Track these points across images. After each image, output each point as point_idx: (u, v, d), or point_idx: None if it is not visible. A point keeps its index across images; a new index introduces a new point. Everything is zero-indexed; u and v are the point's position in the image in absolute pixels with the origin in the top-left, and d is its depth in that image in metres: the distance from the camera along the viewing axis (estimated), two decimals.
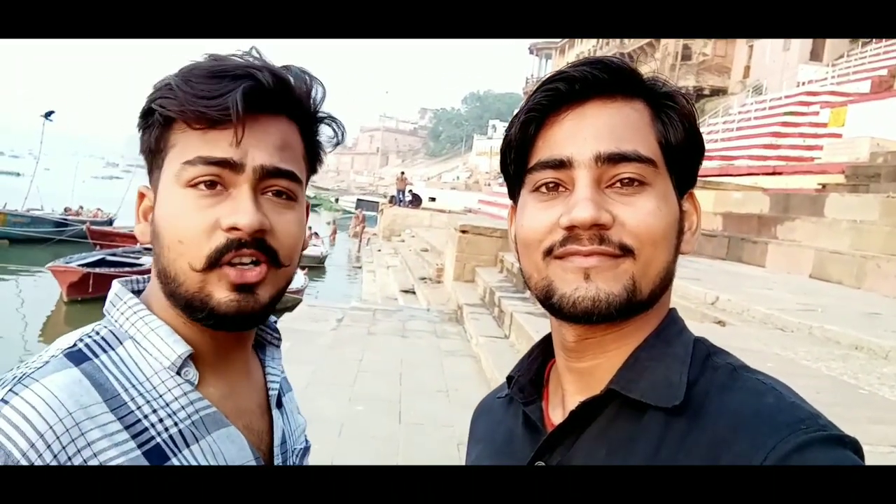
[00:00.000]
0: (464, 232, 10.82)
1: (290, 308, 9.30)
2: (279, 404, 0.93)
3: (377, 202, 40.10)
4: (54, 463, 0.68)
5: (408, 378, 5.77)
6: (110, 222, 23.49)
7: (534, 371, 0.86)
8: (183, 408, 0.78)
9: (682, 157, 0.77)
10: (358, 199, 50.28)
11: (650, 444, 0.69)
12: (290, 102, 0.82)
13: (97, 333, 0.79)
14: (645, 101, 0.76)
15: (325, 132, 0.90)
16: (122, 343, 0.79)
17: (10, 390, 0.69)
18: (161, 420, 0.76)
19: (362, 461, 3.52)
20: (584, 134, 0.73)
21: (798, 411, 0.64)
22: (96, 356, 0.76)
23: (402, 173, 33.95)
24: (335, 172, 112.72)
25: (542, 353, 0.87)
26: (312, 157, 0.89)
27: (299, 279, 16.42)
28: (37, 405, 0.68)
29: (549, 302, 0.73)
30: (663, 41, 33.62)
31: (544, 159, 0.74)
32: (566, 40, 50.03)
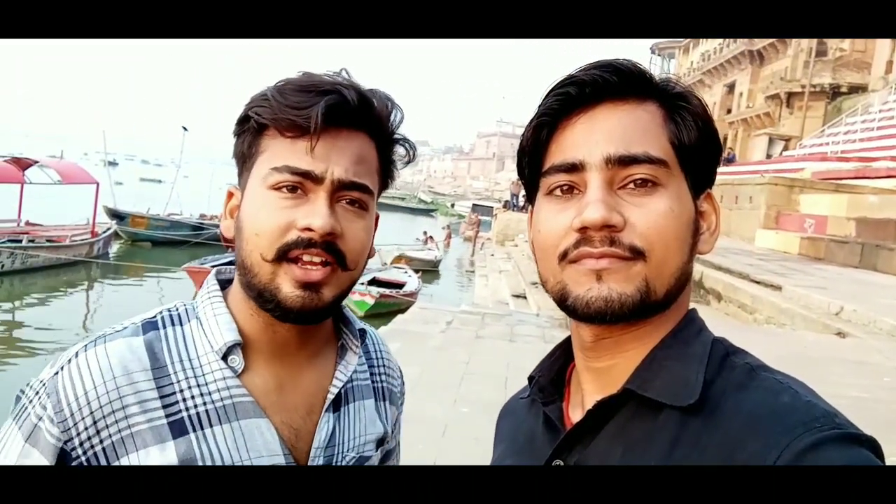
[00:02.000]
0: None
1: (403, 310, 9.52)
2: (336, 407, 0.96)
3: (492, 207, 40.22)
4: (90, 417, 0.80)
5: (513, 382, 5.75)
6: None
7: (555, 372, 0.88)
8: (219, 390, 0.85)
9: (696, 157, 0.77)
10: (473, 204, 50.58)
11: (665, 443, 0.69)
12: (370, 120, 0.90)
13: (177, 309, 0.90)
14: (657, 102, 0.77)
15: (398, 151, 0.98)
16: (189, 321, 0.89)
17: (85, 346, 0.83)
18: (193, 397, 0.84)
19: (464, 462, 3.53)
20: (595, 137, 0.74)
21: (813, 409, 0.64)
22: (165, 328, 0.87)
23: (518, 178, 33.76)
24: (452, 178, 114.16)
25: (564, 354, 0.88)
26: (386, 173, 0.96)
27: (413, 282, 16.76)
28: (91, 366, 0.81)
29: (565, 304, 0.75)
30: None
31: (557, 163, 0.76)
32: (690, 39, 48.21)
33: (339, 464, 0.95)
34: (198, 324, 0.89)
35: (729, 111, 37.24)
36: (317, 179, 0.84)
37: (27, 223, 17.24)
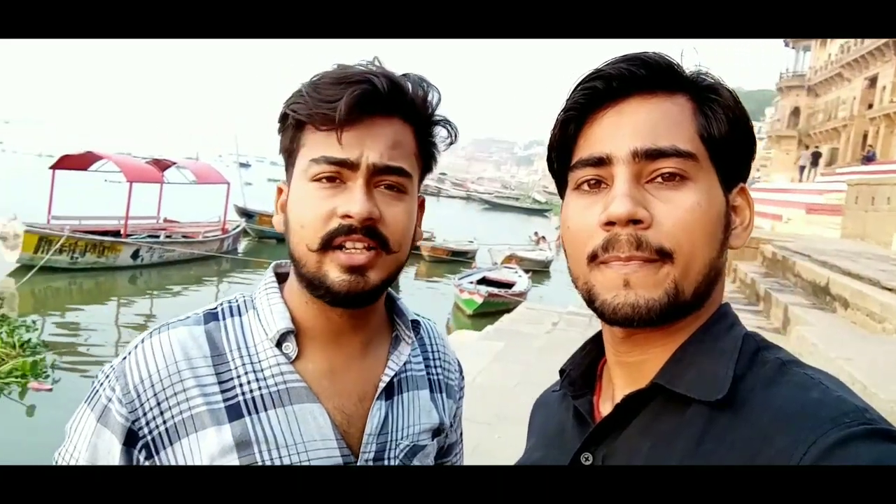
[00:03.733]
0: None
1: (510, 309, 9.51)
2: (389, 395, 0.98)
3: None
4: (154, 398, 0.86)
5: None
6: None
7: (585, 365, 0.87)
8: (273, 376, 0.90)
9: (726, 151, 0.75)
10: None
11: (692, 438, 0.68)
12: (403, 105, 0.92)
13: (236, 301, 0.97)
14: (687, 95, 0.76)
15: (440, 134, 0.99)
16: (247, 311, 0.95)
17: (150, 333, 0.91)
18: (249, 382, 0.89)
19: None
20: (622, 131, 0.74)
21: (843, 405, 0.62)
22: (224, 318, 0.94)
23: None
24: None
25: (596, 347, 0.88)
26: (427, 156, 0.99)
27: (523, 282, 16.69)
28: (155, 351, 0.88)
29: (593, 306, 0.75)
30: None
31: (585, 157, 0.76)
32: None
33: (392, 450, 0.97)
34: (255, 314, 0.94)
35: (870, 106, 34.44)
36: (352, 166, 0.87)
37: (165, 220, 18.58)
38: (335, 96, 0.86)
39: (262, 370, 0.90)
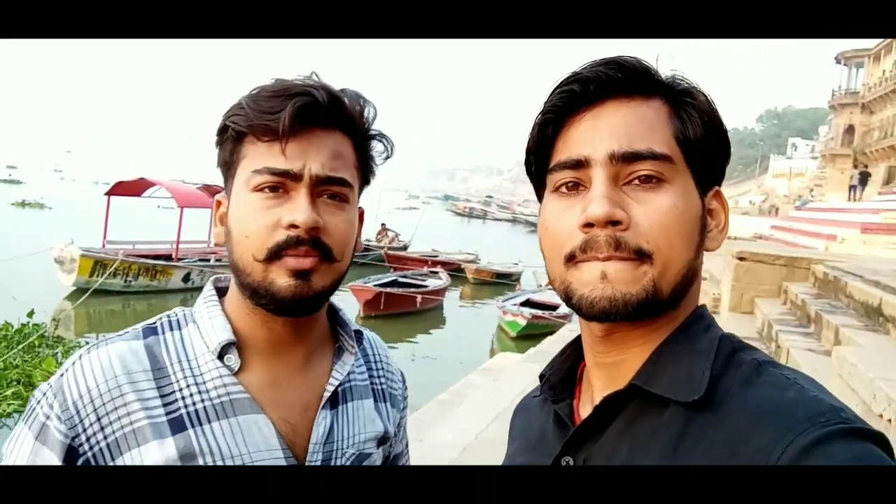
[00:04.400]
0: (741, 259, 9.99)
1: (554, 331, 9.42)
2: (334, 405, 0.99)
3: None
4: (93, 414, 0.84)
5: None
6: (405, 247, 25.93)
7: (565, 370, 0.88)
8: (216, 388, 0.90)
9: (702, 154, 0.77)
10: None
11: (671, 438, 0.69)
12: (343, 118, 0.94)
13: (175, 315, 0.97)
14: (663, 98, 0.77)
15: (377, 148, 1.01)
16: (187, 325, 0.95)
17: (88, 349, 0.90)
18: (192, 395, 0.89)
19: None
20: (599, 134, 0.74)
21: (819, 404, 0.63)
22: (164, 332, 0.93)
23: None
24: None
25: (575, 352, 0.88)
26: (365, 168, 1.01)
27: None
28: (94, 366, 0.87)
29: (570, 303, 0.75)
30: None
31: (563, 160, 0.76)
32: (881, 45, 43.82)
33: (338, 459, 0.98)
34: (195, 327, 0.94)
35: None
36: (295, 177, 0.88)
37: (216, 244, 18.98)
38: (276, 108, 0.87)
39: (204, 383, 0.90)
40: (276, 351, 0.96)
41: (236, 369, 0.91)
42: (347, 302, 15.47)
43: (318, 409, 0.97)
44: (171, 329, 0.94)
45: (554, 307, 16.04)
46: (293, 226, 0.87)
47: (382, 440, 1.07)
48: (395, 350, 12.96)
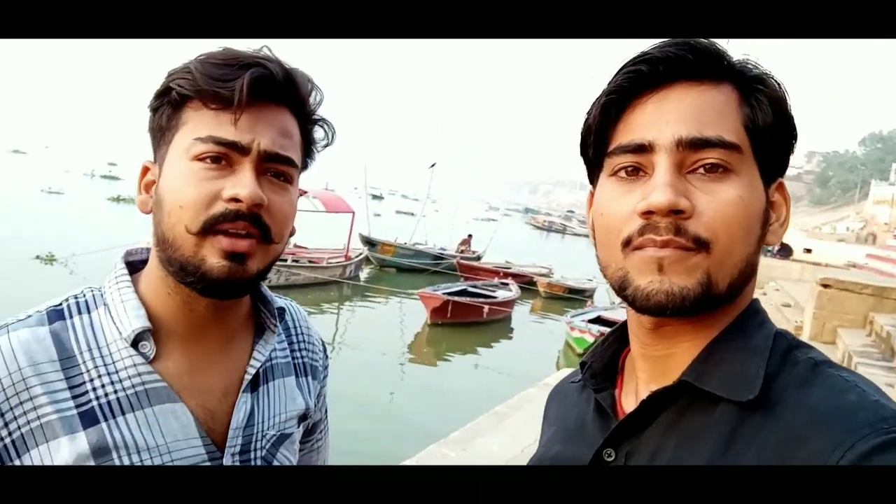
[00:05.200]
0: (825, 286, 9.49)
1: None
2: (255, 387, 0.95)
3: None
4: None
5: None
6: (478, 258, 25.95)
7: (608, 358, 0.86)
8: (129, 377, 0.84)
9: (770, 144, 0.73)
10: None
11: (721, 438, 0.66)
12: (293, 97, 0.90)
13: (83, 295, 0.89)
14: (733, 84, 0.73)
15: (317, 134, 0.97)
16: (97, 308, 0.88)
17: None
18: (104, 386, 0.83)
19: None
20: (666, 118, 0.71)
21: (882, 409, 0.60)
22: (71, 317, 0.86)
23: None
24: None
25: (618, 340, 0.86)
26: (308, 152, 0.97)
27: None
28: None
29: (624, 293, 0.72)
30: None
31: (624, 143, 0.73)
32: None
33: (258, 442, 0.94)
34: (105, 311, 0.88)
35: None
36: (243, 150, 0.83)
37: (295, 245, 19.57)
38: (229, 76, 0.83)
39: (116, 372, 0.84)
40: (194, 334, 0.91)
41: (151, 357, 0.86)
42: (416, 308, 15.62)
43: (239, 392, 0.93)
44: (80, 312, 0.87)
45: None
46: (235, 199, 0.82)
47: (303, 417, 1.04)
48: (458, 358, 13.02)
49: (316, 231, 20.49)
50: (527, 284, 21.26)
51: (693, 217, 0.68)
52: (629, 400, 0.80)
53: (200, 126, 0.84)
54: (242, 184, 0.82)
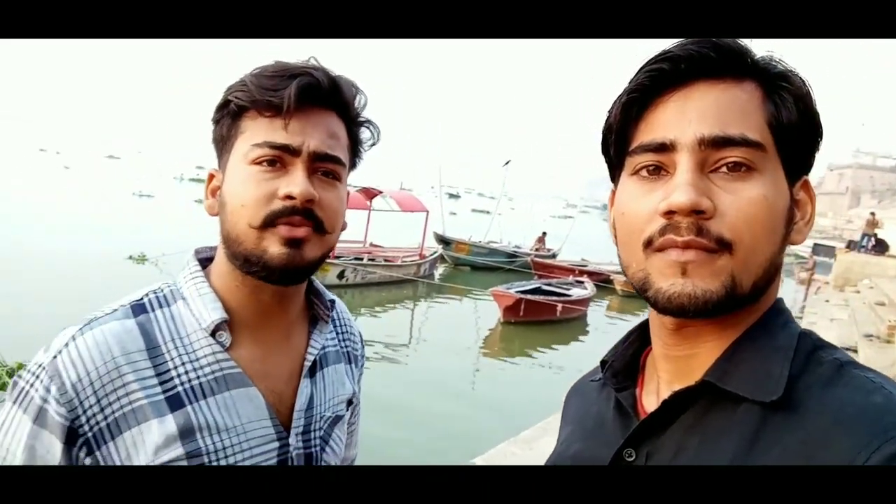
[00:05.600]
0: None
1: None
2: (312, 373, 1.06)
3: (834, 247, 35.54)
4: (93, 395, 0.86)
5: None
6: (553, 256, 25.66)
7: (629, 356, 0.86)
8: (209, 364, 0.94)
9: (794, 142, 0.72)
10: (814, 244, 45.24)
11: (743, 438, 0.66)
12: (339, 101, 0.99)
13: (161, 291, 0.99)
14: (756, 82, 0.73)
15: (364, 135, 1.07)
16: (176, 301, 0.98)
17: (80, 329, 0.90)
18: (187, 372, 0.92)
19: None
20: (688, 116, 0.71)
21: None
22: (153, 310, 0.95)
23: (872, 214, 29.35)
24: None
25: (639, 338, 0.86)
26: (355, 153, 1.06)
27: None
28: (91, 347, 0.88)
29: (646, 294, 0.72)
30: None
31: (646, 142, 0.73)
32: None
33: (317, 422, 1.04)
34: (184, 304, 0.97)
35: None
36: (294, 152, 0.93)
37: (371, 244, 19.89)
38: (279, 85, 0.92)
39: (197, 360, 0.93)
40: (262, 323, 1.00)
41: (228, 345, 0.96)
42: (490, 307, 15.62)
43: (300, 377, 1.03)
44: (161, 306, 0.96)
45: None
46: (289, 196, 0.91)
47: (350, 401, 1.15)
48: (531, 357, 12.94)
49: (392, 230, 20.80)
50: (603, 282, 20.88)
51: (715, 217, 0.68)
52: (650, 399, 0.80)
53: (256, 133, 0.94)
54: (295, 182, 0.92)
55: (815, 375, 0.67)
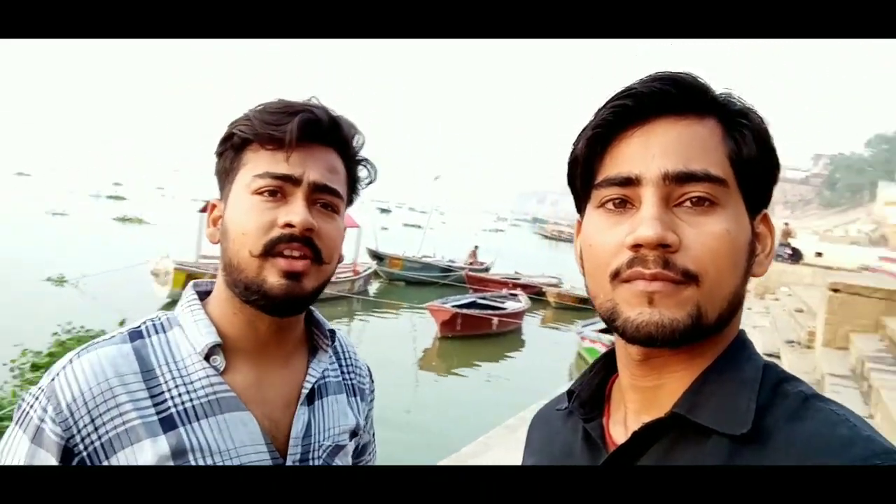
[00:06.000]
0: (835, 291, 9.42)
1: None
2: (311, 401, 1.06)
3: None
4: (87, 416, 0.88)
5: None
6: (487, 269, 25.90)
7: (595, 386, 0.86)
8: (203, 388, 0.95)
9: (754, 177, 0.75)
10: None
11: None
12: (339, 138, 1.04)
13: (159, 319, 1.02)
14: (717, 118, 0.75)
15: (361, 173, 1.11)
16: (172, 328, 1.00)
17: (77, 353, 0.94)
18: (181, 394, 0.94)
19: None
20: (651, 151, 0.72)
21: (873, 444, 0.62)
22: (150, 336, 0.98)
23: (787, 224, 30.88)
24: None
25: (605, 367, 0.87)
26: (352, 189, 1.10)
27: None
28: (86, 370, 0.91)
29: (614, 324, 0.73)
30: None
31: (611, 176, 0.74)
32: None
33: (316, 451, 1.04)
34: (180, 330, 0.99)
35: None
36: (295, 182, 0.96)
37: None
38: (282, 121, 0.96)
39: (191, 382, 0.95)
40: (258, 351, 1.02)
41: (222, 369, 0.97)
42: (426, 322, 15.60)
43: (297, 405, 1.03)
44: (157, 332, 0.99)
45: None
46: (289, 224, 0.94)
47: (354, 432, 1.14)
48: (469, 371, 12.96)
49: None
50: (536, 295, 21.20)
51: (681, 251, 0.69)
52: (617, 429, 0.80)
53: (258, 164, 0.97)
54: (295, 211, 0.95)
55: (781, 408, 0.68)
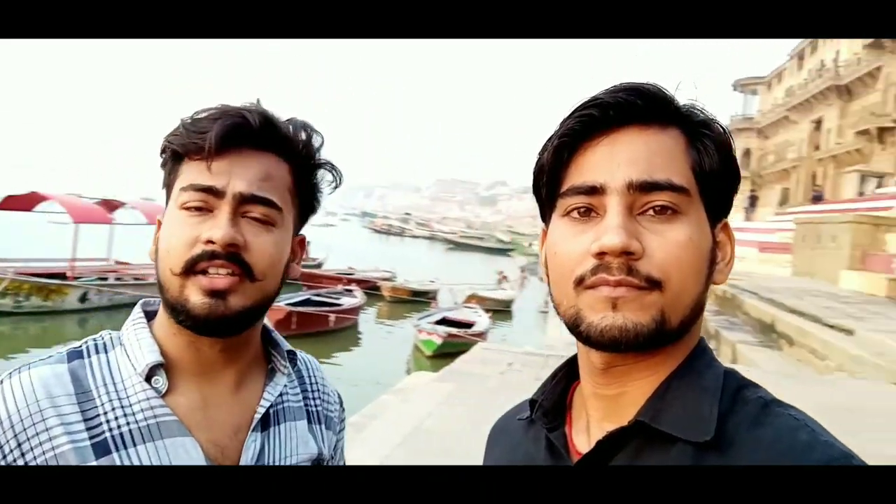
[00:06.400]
0: None
1: (465, 350, 9.39)
2: (265, 426, 0.98)
3: None
4: (14, 439, 0.82)
5: None
6: (319, 265, 25.52)
7: (557, 394, 0.86)
8: (142, 410, 0.88)
9: (716, 186, 0.76)
10: None
11: None
12: (276, 141, 0.95)
13: (102, 338, 0.94)
14: (680, 128, 0.76)
15: (325, 177, 1.04)
16: (114, 348, 0.93)
17: (10, 373, 0.87)
18: (117, 418, 0.86)
19: None
20: (617, 160, 0.73)
21: (831, 450, 0.64)
22: (89, 356, 0.91)
23: None
24: (531, 217, 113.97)
25: (566, 376, 0.87)
26: (307, 195, 1.02)
27: (483, 322, 16.58)
28: (15, 391, 0.85)
29: (577, 330, 0.73)
30: (885, 70, 29.70)
31: (577, 184, 0.75)
32: (773, 74, 46.74)
33: None
34: (122, 350, 0.92)
35: (817, 148, 35.70)
36: (218, 193, 0.89)
37: (117, 262, 18.16)
38: (207, 128, 0.89)
39: (130, 405, 0.88)
40: (205, 372, 0.95)
41: (164, 391, 0.90)
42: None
43: (249, 431, 0.95)
44: (98, 352, 0.92)
45: (470, 325, 16.10)
46: (210, 241, 0.87)
47: (317, 462, 1.05)
48: None
49: (143, 246, 19.19)
50: (371, 290, 21.23)
51: (644, 258, 0.71)
52: (580, 438, 0.81)
53: (187, 177, 0.91)
54: (217, 225, 0.88)
55: (741, 415, 0.70)
